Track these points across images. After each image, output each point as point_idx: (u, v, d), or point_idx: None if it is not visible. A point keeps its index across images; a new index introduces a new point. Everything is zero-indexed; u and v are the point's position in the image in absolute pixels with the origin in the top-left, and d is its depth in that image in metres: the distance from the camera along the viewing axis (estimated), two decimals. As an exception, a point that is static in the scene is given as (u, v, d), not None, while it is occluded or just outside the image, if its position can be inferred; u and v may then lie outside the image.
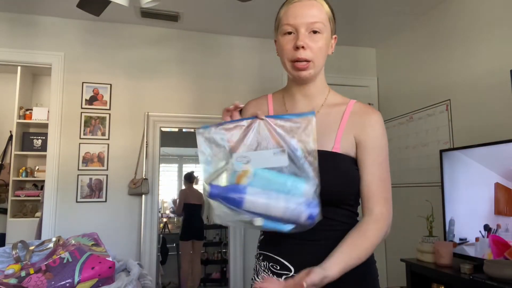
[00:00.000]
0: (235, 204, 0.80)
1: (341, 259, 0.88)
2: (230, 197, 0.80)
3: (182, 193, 5.39)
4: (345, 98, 1.10)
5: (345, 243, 0.92)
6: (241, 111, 1.05)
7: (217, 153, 0.87)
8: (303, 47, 0.96)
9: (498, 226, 2.17)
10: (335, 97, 1.09)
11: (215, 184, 0.84)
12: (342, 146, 1.00)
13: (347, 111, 1.04)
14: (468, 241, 2.35)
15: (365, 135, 1.01)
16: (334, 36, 1.06)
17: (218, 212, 0.84)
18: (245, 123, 0.88)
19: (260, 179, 0.82)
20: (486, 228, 2.24)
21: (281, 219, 0.81)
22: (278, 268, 1.00)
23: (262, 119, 0.88)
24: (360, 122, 1.02)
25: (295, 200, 0.81)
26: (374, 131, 1.02)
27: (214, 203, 0.84)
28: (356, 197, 1.03)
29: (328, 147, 0.99)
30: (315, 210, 0.81)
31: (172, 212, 6.44)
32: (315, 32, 0.98)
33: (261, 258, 1.05)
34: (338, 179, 0.97)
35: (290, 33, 0.99)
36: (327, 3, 1.03)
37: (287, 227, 0.82)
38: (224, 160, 0.85)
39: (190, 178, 5.42)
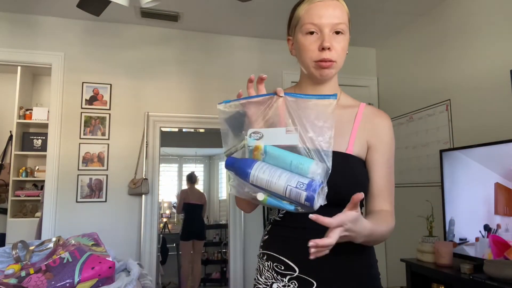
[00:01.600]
0: (243, 176, 0.84)
1: (371, 223, 0.87)
2: (239, 170, 0.84)
3: (183, 192, 5.41)
4: (355, 100, 1.11)
5: (371, 219, 0.92)
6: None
7: (236, 126, 0.90)
8: (329, 48, 0.96)
9: (498, 226, 2.17)
10: (347, 98, 1.11)
11: (232, 157, 0.88)
12: (355, 148, 1.02)
13: (359, 114, 1.06)
14: (468, 241, 2.35)
15: (377, 139, 1.04)
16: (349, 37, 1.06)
17: (232, 183, 0.89)
18: (264, 99, 0.89)
19: (270, 156, 0.84)
20: (486, 228, 2.24)
21: (285, 198, 0.81)
22: (283, 268, 1.00)
23: (281, 96, 0.87)
24: (373, 126, 1.05)
25: (298, 179, 0.80)
26: (386, 135, 1.06)
27: (230, 173, 0.89)
28: (363, 199, 1.03)
29: (342, 149, 1.00)
30: (314, 193, 0.78)
31: (174, 206, 6.47)
32: (338, 32, 0.98)
33: (264, 258, 1.06)
34: (351, 180, 0.98)
35: (312, 33, 0.98)
36: (346, 4, 1.03)
37: (291, 207, 0.81)
38: (242, 134, 0.89)
39: (191, 179, 5.43)
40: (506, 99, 2.43)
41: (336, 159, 0.86)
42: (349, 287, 0.98)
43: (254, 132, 0.87)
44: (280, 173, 0.81)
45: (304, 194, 0.78)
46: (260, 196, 0.82)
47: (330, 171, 0.83)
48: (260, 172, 0.82)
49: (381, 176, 1.02)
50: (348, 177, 0.97)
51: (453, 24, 2.91)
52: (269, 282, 1.02)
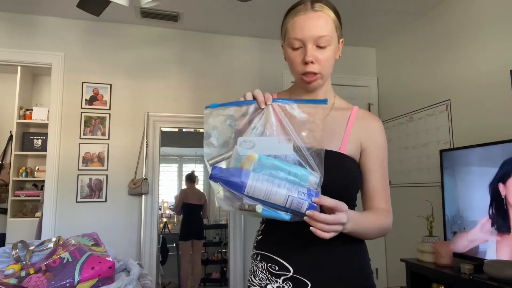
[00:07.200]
0: (237, 188, 0.79)
1: (361, 215, 0.95)
2: (231, 181, 0.79)
3: (182, 192, 5.39)
4: (349, 104, 1.14)
5: (363, 212, 1.00)
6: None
7: (222, 134, 0.86)
8: (311, 62, 0.98)
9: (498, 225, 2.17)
10: (340, 102, 1.13)
11: (218, 166, 0.83)
12: (348, 148, 1.04)
13: (352, 116, 1.09)
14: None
15: (370, 142, 1.06)
16: (341, 40, 1.08)
17: (219, 195, 0.84)
18: (253, 106, 0.87)
19: (264, 166, 0.81)
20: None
21: (281, 208, 0.80)
22: (277, 268, 1.00)
23: (269, 104, 0.87)
24: (365, 129, 1.07)
25: (298, 189, 0.80)
26: (378, 137, 1.08)
27: (215, 185, 0.83)
28: (355, 198, 1.06)
29: (335, 148, 1.03)
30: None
31: (172, 209, 6.46)
32: (322, 46, 0.99)
33: (258, 258, 1.06)
34: (343, 178, 1.00)
35: (297, 48, 1.00)
36: (333, 10, 1.03)
37: (287, 216, 0.81)
38: (229, 143, 0.85)
39: (191, 178, 5.41)
40: (506, 99, 2.43)
41: (329, 158, 0.88)
42: (343, 286, 0.99)
43: (245, 141, 0.84)
44: (278, 183, 0.80)
45: (306, 203, 0.79)
46: (259, 208, 0.79)
47: (322, 179, 0.84)
48: (258, 183, 0.79)
49: (377, 177, 1.05)
50: (340, 174, 0.99)
51: (453, 24, 2.91)
52: (263, 283, 1.02)
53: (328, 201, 0.80)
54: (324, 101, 0.87)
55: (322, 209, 0.82)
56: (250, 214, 0.82)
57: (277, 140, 0.84)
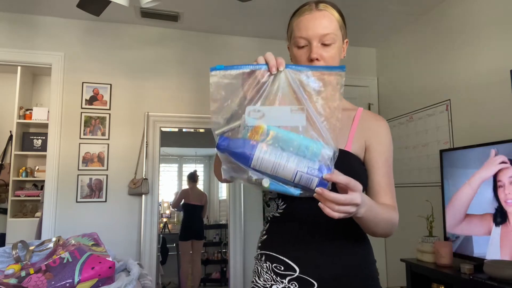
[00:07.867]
0: (243, 160, 0.74)
1: (374, 202, 0.89)
2: (238, 152, 0.74)
3: (183, 191, 5.40)
4: (353, 105, 1.15)
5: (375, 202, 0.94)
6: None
7: (229, 102, 0.80)
8: (317, 59, 1.00)
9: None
10: (345, 103, 1.13)
11: (225, 136, 0.77)
12: (353, 147, 1.04)
13: (357, 116, 1.09)
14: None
15: (376, 140, 1.06)
16: (345, 40, 1.10)
17: (225, 166, 0.79)
18: (264, 71, 0.80)
19: (273, 137, 0.75)
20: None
21: (289, 182, 0.75)
22: (282, 268, 0.98)
23: (281, 70, 0.81)
24: (371, 128, 1.07)
25: (308, 164, 0.74)
26: (384, 136, 1.07)
27: (222, 156, 0.78)
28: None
29: (341, 146, 1.02)
30: None
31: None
32: (327, 44, 1.01)
33: (263, 258, 1.04)
34: (350, 175, 0.97)
35: (302, 46, 1.02)
36: (337, 10, 1.06)
37: (296, 191, 0.76)
38: (237, 111, 0.79)
39: (193, 178, 5.42)
40: (506, 99, 2.43)
41: None
42: (350, 287, 0.98)
43: (253, 110, 0.77)
44: (287, 157, 0.73)
45: (316, 180, 0.74)
46: (266, 182, 0.74)
47: (337, 153, 0.78)
48: (265, 155, 0.73)
49: (381, 174, 1.04)
50: (347, 172, 0.96)
51: (453, 24, 2.91)
52: (268, 284, 1.00)
53: (341, 178, 0.74)
54: (342, 68, 0.82)
55: (335, 186, 0.77)
56: (259, 187, 0.77)
57: (288, 110, 0.78)
